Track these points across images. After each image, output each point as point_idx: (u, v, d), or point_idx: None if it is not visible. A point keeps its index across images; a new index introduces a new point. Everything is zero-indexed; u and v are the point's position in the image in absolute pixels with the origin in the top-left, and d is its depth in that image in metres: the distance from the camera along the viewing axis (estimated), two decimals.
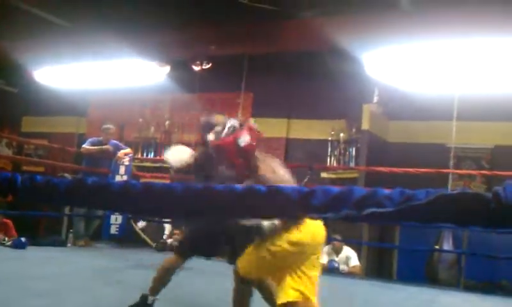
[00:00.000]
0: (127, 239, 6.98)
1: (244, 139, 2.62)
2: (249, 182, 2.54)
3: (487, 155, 6.90)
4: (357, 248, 6.37)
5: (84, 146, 6.81)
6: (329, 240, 5.74)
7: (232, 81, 7.61)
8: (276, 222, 2.53)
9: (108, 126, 6.91)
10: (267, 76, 7.47)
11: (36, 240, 6.45)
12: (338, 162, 7.40)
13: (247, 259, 2.67)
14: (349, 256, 6.14)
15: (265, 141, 4.51)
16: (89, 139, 6.95)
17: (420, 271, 6.27)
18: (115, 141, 6.99)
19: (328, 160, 7.43)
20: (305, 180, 5.40)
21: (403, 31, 5.58)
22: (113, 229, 6.65)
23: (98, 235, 6.82)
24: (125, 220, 6.81)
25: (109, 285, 4.21)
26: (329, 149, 7.49)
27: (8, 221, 6.54)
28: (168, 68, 7.72)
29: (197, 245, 3.12)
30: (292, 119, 7.77)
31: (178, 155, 3.24)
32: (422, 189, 1.06)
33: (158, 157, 8.45)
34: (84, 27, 6.75)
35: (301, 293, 2.48)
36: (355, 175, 6.90)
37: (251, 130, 2.66)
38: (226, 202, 1.18)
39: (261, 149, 2.72)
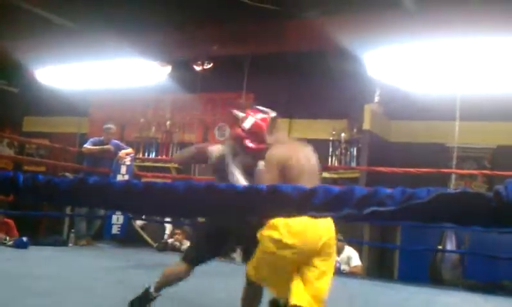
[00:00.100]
0: (129, 239, 6.99)
1: (250, 121, 2.71)
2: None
3: (489, 155, 6.89)
4: (358, 248, 6.37)
5: (85, 145, 6.82)
6: None
7: (234, 81, 7.60)
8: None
9: (109, 126, 6.92)
10: (268, 76, 7.46)
11: (37, 239, 6.46)
12: (340, 161, 7.39)
13: (251, 259, 2.67)
14: (351, 256, 6.13)
15: None
16: (91, 139, 6.96)
17: (422, 271, 6.25)
18: (116, 141, 7.00)
19: (329, 160, 7.42)
20: None
21: (405, 30, 5.57)
22: (115, 229, 6.66)
23: (99, 235, 6.83)
24: (127, 221, 6.82)
25: (110, 285, 4.22)
26: (331, 149, 7.48)
27: (10, 221, 6.54)
28: (169, 68, 7.72)
29: (205, 251, 3.09)
30: (294, 119, 7.75)
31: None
32: (423, 188, 1.05)
33: (159, 157, 8.46)
34: (85, 26, 6.75)
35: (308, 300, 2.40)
36: (356, 175, 6.88)
37: (257, 113, 2.85)
38: (227, 200, 1.18)
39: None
